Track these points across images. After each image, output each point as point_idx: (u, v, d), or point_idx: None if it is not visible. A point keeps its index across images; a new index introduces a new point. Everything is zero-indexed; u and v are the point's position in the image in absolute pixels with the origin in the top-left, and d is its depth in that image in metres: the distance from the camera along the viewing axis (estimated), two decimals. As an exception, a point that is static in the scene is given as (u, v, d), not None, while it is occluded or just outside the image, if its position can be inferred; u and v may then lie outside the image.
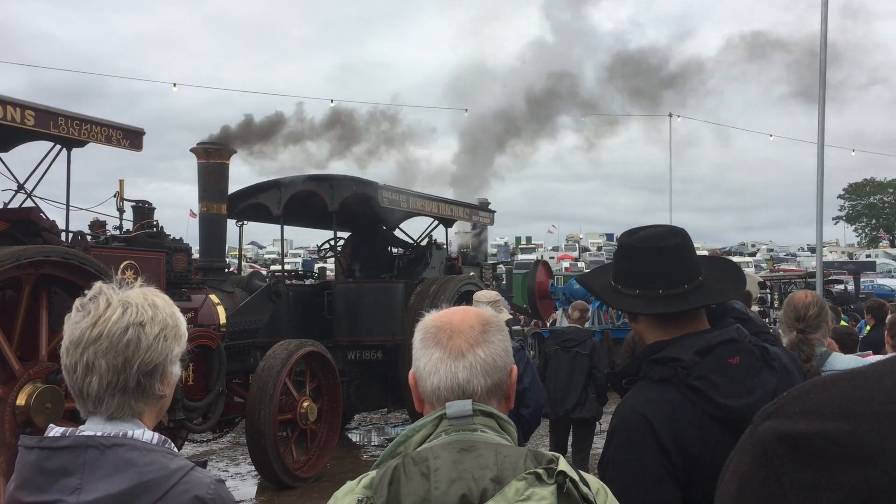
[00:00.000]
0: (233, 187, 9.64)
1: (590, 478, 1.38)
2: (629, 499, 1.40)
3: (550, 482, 1.26)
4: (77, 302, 1.52)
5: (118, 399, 1.48)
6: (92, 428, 1.48)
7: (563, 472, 1.28)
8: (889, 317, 3.50)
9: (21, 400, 5.54)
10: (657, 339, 1.94)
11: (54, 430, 1.48)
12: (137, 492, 1.40)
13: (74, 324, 1.49)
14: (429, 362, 1.43)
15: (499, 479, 1.28)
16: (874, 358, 3.89)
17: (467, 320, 1.45)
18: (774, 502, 0.69)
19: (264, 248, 61.23)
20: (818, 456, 0.68)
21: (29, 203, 6.64)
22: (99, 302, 1.49)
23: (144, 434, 1.49)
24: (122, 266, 6.94)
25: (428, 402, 1.44)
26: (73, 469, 1.42)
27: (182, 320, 1.58)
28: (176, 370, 1.56)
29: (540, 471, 1.27)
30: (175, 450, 1.52)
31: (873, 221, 76.77)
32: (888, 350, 4.41)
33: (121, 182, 8.09)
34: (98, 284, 1.53)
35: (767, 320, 20.55)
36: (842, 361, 3.35)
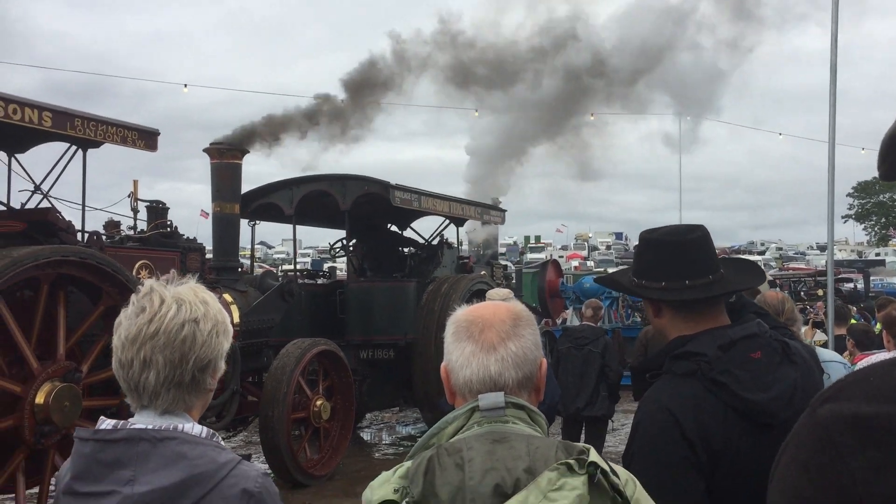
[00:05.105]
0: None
1: (619, 469, 1.41)
2: (655, 491, 1.43)
3: (582, 472, 1.29)
4: (132, 297, 1.55)
5: (173, 393, 1.52)
6: (143, 421, 1.51)
7: (594, 463, 1.31)
8: (883, 314, 3.45)
9: (40, 398, 5.60)
10: (680, 333, 1.96)
11: (106, 423, 1.52)
12: (189, 484, 1.44)
13: (129, 320, 1.52)
14: (461, 355, 1.46)
15: (531, 469, 1.31)
16: (880, 356, 3.90)
17: (498, 314, 1.49)
18: (840, 482, 0.71)
19: (273, 247, 61.35)
20: (884, 436, 0.70)
21: (45, 203, 6.70)
22: (153, 299, 1.53)
23: (194, 428, 1.52)
24: (137, 266, 7.00)
25: (460, 394, 1.47)
26: (127, 461, 1.46)
27: (227, 317, 1.62)
28: (223, 365, 1.60)
29: (571, 461, 1.30)
30: (222, 443, 1.56)
31: (882, 220, 76.21)
32: (889, 348, 4.31)
33: (135, 182, 8.16)
34: (149, 282, 1.56)
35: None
36: (828, 355, 3.66)
